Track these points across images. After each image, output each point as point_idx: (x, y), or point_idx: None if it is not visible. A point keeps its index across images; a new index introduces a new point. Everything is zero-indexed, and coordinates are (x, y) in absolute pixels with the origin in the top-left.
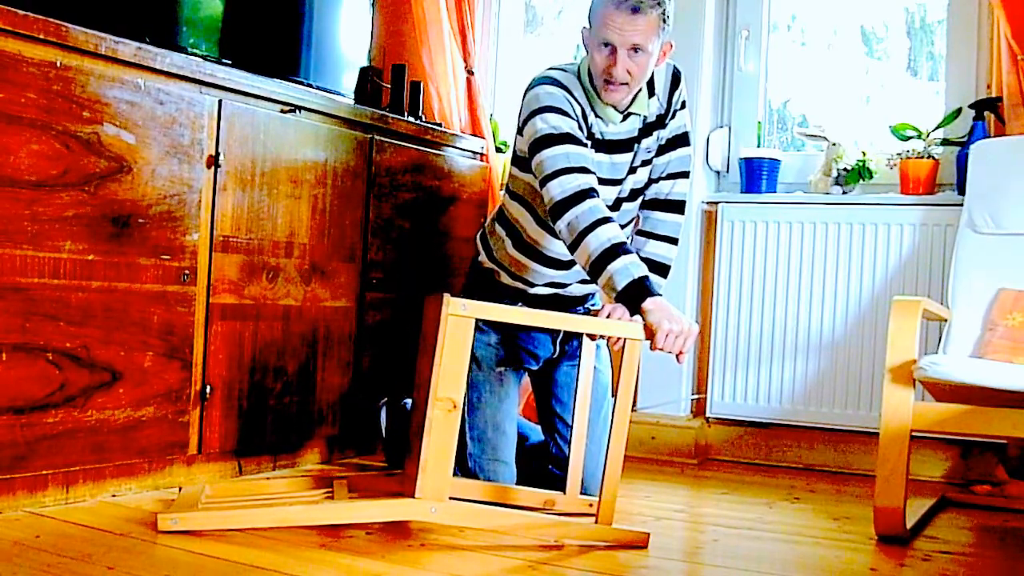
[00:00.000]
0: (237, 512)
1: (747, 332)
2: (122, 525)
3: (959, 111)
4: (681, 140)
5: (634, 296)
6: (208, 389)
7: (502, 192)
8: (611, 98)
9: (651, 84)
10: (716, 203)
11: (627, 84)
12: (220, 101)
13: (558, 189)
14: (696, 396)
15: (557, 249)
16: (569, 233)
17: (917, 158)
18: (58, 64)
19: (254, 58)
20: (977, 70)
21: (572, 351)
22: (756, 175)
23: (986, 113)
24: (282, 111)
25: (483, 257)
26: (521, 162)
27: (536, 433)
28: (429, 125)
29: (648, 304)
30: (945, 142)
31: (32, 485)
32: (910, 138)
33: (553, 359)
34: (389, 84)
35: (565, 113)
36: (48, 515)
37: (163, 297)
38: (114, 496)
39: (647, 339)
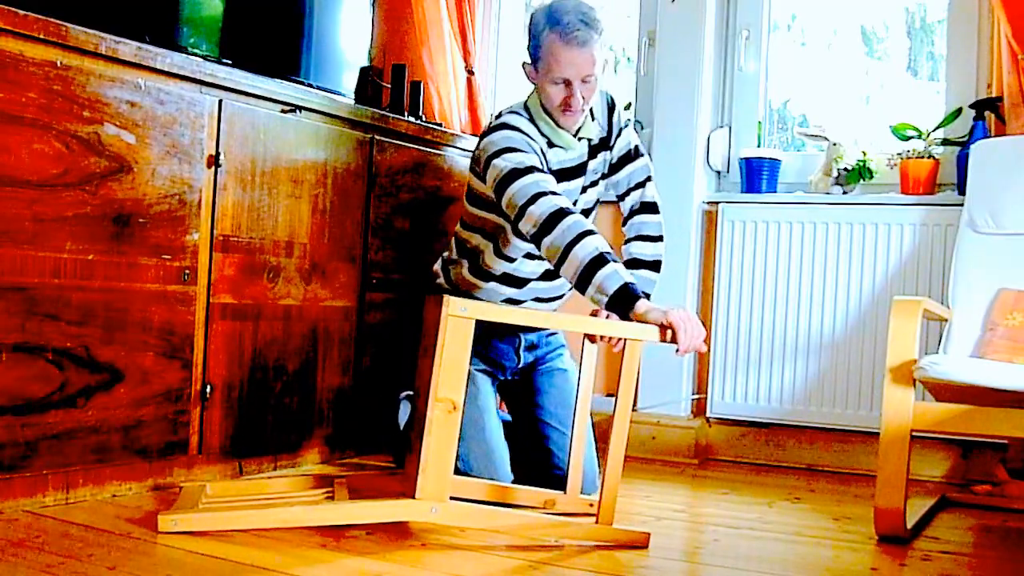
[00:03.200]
0: (237, 512)
1: (747, 332)
2: (122, 525)
3: (959, 111)
4: (633, 154)
5: (625, 300)
6: (208, 389)
7: (458, 226)
8: (569, 121)
9: (591, 111)
10: (716, 203)
11: (582, 110)
12: (220, 101)
13: (536, 213)
14: (696, 396)
15: (509, 270)
16: (554, 252)
17: (917, 158)
18: (58, 64)
19: (254, 58)
20: (977, 70)
21: (540, 360)
22: (756, 175)
23: (986, 113)
24: (282, 111)
25: (441, 280)
26: (479, 201)
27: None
28: (429, 125)
29: (639, 307)
30: (945, 142)
31: (32, 485)
32: (910, 138)
33: (526, 369)
34: (389, 84)
35: (523, 151)
36: (48, 515)
37: (163, 297)
38: (114, 496)
39: (664, 340)
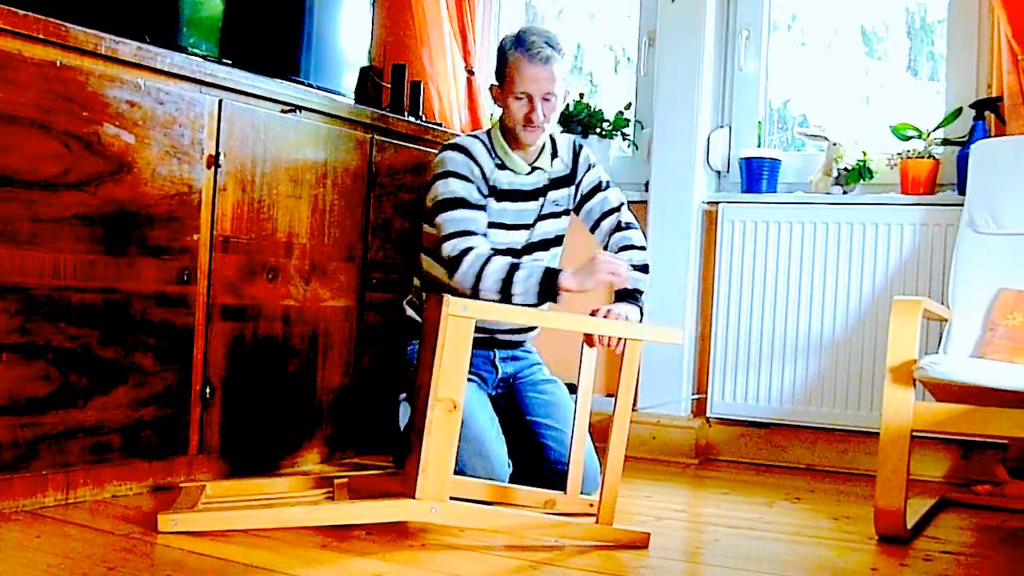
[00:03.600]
0: (237, 512)
1: (747, 332)
2: (122, 525)
3: (959, 111)
4: (604, 186)
5: (550, 283)
6: (208, 389)
7: (420, 256)
8: (530, 137)
9: (555, 149)
10: (716, 203)
11: (542, 127)
12: (220, 101)
13: (449, 249)
14: (696, 396)
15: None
16: (467, 282)
17: (917, 158)
18: (58, 64)
19: (254, 58)
20: (977, 70)
21: (521, 375)
22: (756, 175)
23: (986, 113)
24: (282, 111)
25: (411, 313)
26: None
27: None
28: (429, 125)
29: (563, 280)
30: (945, 142)
31: (32, 485)
32: (910, 138)
33: (510, 384)
34: (389, 84)
35: (464, 177)
36: (48, 515)
37: (163, 297)
38: (114, 496)
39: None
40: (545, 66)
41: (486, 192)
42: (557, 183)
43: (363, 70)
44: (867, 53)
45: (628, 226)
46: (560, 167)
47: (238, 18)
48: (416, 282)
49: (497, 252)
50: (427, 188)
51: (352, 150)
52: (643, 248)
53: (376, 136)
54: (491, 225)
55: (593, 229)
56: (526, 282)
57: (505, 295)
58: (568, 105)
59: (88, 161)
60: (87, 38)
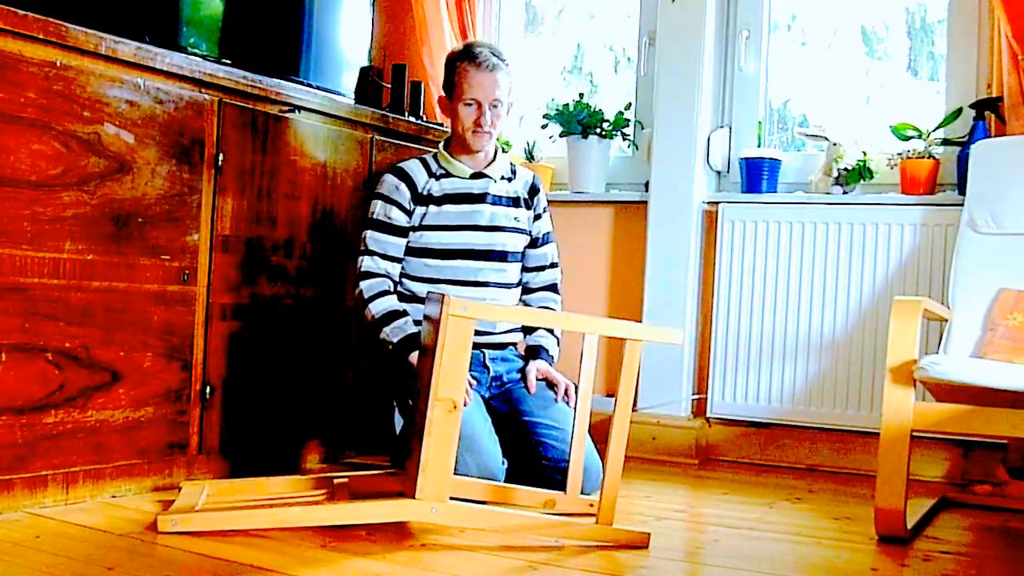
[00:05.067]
0: (237, 513)
1: (748, 332)
2: (122, 525)
3: (959, 111)
4: (547, 239)
5: (407, 347)
6: (208, 389)
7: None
8: (479, 143)
9: (513, 171)
10: (716, 203)
11: (489, 133)
12: (220, 101)
13: (360, 264)
14: (697, 396)
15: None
16: (359, 299)
17: (918, 158)
18: (58, 64)
19: (254, 58)
20: (977, 70)
21: (513, 378)
22: (757, 175)
23: (987, 113)
24: (282, 111)
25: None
26: None
27: None
28: (429, 125)
29: (413, 356)
30: (946, 142)
31: (32, 485)
32: (911, 138)
33: (504, 387)
34: (389, 84)
35: (392, 201)
36: (48, 515)
37: (163, 297)
38: (114, 496)
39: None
40: (492, 73)
41: (411, 208)
42: (512, 201)
43: (363, 70)
44: (867, 53)
45: (555, 288)
46: (515, 188)
47: (238, 18)
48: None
49: (395, 286)
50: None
51: (352, 150)
52: (554, 288)
53: (376, 136)
54: (434, 228)
55: (523, 270)
56: (394, 331)
57: (376, 328)
58: (568, 105)
59: (88, 161)
60: (87, 38)
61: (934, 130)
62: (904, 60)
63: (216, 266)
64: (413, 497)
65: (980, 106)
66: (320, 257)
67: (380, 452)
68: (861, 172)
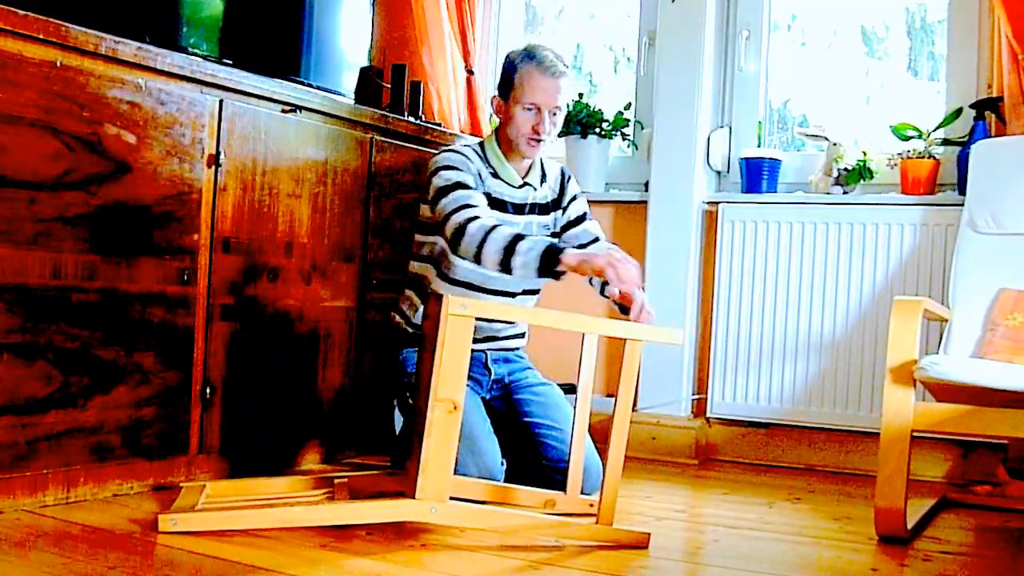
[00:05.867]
0: (237, 512)
1: (748, 332)
2: (122, 525)
3: (960, 111)
4: (584, 218)
5: (550, 261)
6: (208, 389)
7: (409, 268)
8: (532, 152)
9: (544, 172)
10: (716, 203)
11: (543, 141)
12: (221, 101)
13: (452, 222)
14: (697, 396)
15: (456, 291)
16: (470, 253)
17: (918, 158)
18: (58, 64)
19: (255, 58)
20: (978, 70)
21: (515, 377)
22: (757, 175)
23: (987, 113)
24: (282, 111)
25: (400, 320)
26: (425, 227)
27: None
28: (429, 125)
29: (566, 257)
30: (946, 142)
31: (32, 485)
32: (911, 138)
33: (505, 388)
34: (389, 84)
35: (458, 168)
36: (48, 515)
37: (163, 297)
38: (114, 496)
39: (604, 295)
40: (557, 80)
41: (483, 191)
42: (543, 208)
43: (363, 70)
44: (867, 53)
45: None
46: (548, 192)
47: (238, 18)
48: (407, 291)
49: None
50: (423, 189)
51: (352, 150)
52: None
53: (376, 136)
54: None
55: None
56: (527, 253)
57: (505, 264)
58: (568, 105)
59: (89, 161)
60: (87, 38)
61: (934, 130)
62: (904, 60)
63: (216, 266)
64: (413, 497)
65: (980, 106)
66: (320, 257)
67: (380, 452)
68: (861, 172)
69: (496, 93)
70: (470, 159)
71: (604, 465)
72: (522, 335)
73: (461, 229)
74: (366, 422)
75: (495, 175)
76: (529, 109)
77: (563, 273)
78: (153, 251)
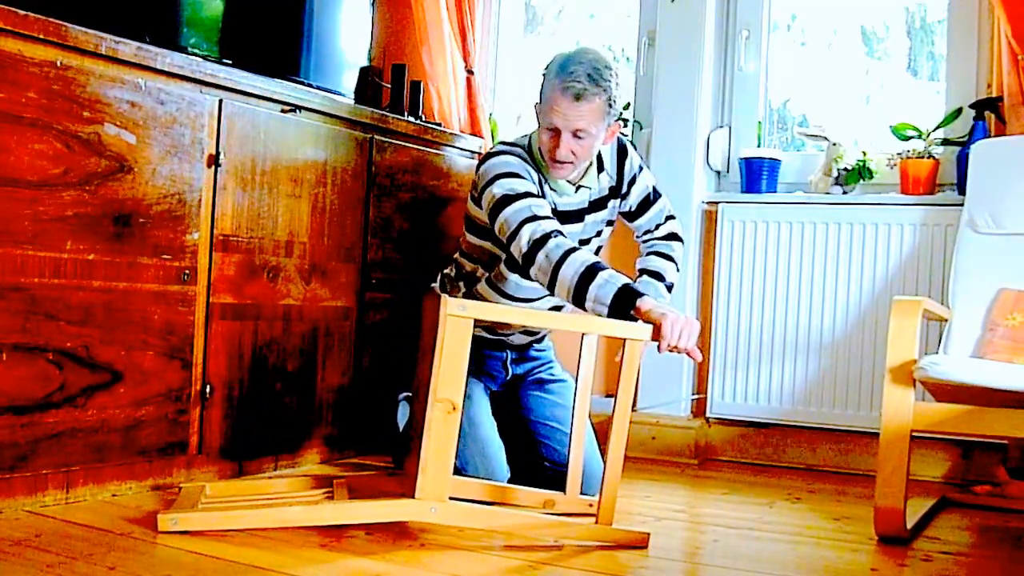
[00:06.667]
0: (237, 512)
1: (747, 332)
2: (122, 525)
3: (959, 111)
4: (652, 198)
5: (624, 303)
6: (208, 389)
7: (456, 254)
8: (557, 175)
9: (600, 160)
10: (716, 203)
11: (572, 163)
12: (220, 101)
13: (526, 238)
14: (696, 396)
15: (502, 301)
16: (543, 274)
17: (917, 158)
18: (58, 64)
19: (254, 58)
20: (977, 70)
21: (529, 372)
22: (756, 175)
23: (986, 113)
24: (282, 111)
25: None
26: (476, 228)
27: None
28: (429, 125)
29: (642, 303)
30: (945, 142)
31: (32, 485)
32: (910, 138)
33: (513, 383)
34: (389, 84)
35: (521, 176)
36: (48, 515)
37: (163, 297)
38: (114, 496)
39: (654, 340)
40: (577, 103)
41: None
42: (601, 202)
43: (363, 70)
44: (867, 53)
45: (675, 236)
46: (605, 181)
47: (238, 18)
48: (452, 271)
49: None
50: (480, 189)
51: (352, 150)
52: (668, 258)
53: (376, 136)
54: None
55: (639, 237)
56: (601, 288)
57: (579, 297)
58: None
59: (89, 161)
60: (87, 38)
61: (934, 130)
62: (904, 60)
63: (216, 266)
64: (413, 497)
65: (980, 106)
66: (320, 257)
67: (380, 452)
68: (861, 172)
69: (539, 98)
70: (528, 165)
71: (604, 465)
72: (542, 337)
73: (538, 244)
74: (366, 422)
75: (548, 185)
76: (549, 130)
77: (633, 315)
78: (153, 251)
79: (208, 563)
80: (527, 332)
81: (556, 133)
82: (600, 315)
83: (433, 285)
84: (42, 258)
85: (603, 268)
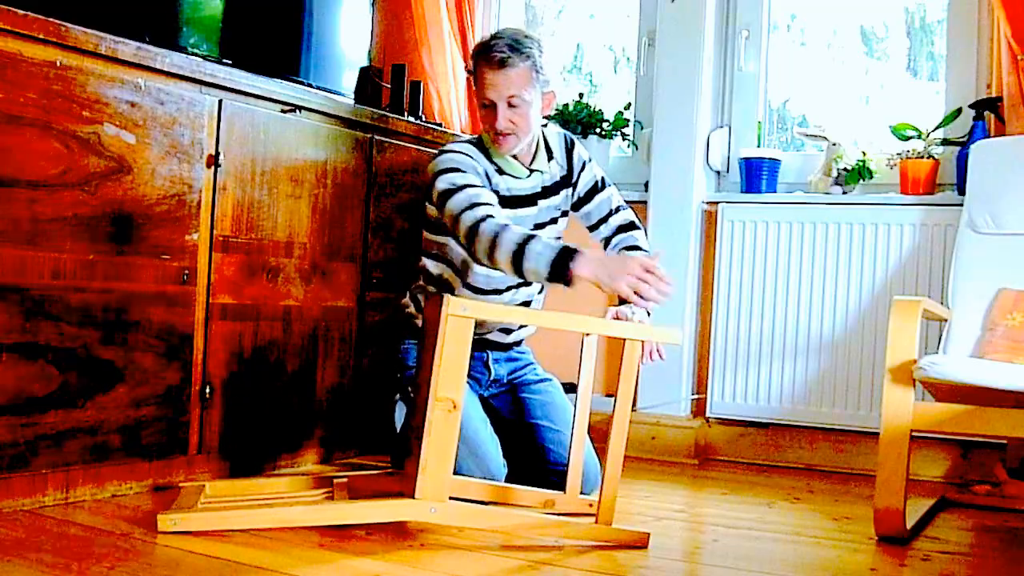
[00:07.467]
0: (237, 512)
1: (747, 332)
2: (122, 525)
3: (959, 111)
4: (600, 185)
5: (562, 264)
6: (208, 389)
7: (420, 262)
8: (503, 149)
9: (549, 149)
10: (716, 203)
11: (514, 134)
12: (220, 101)
13: (466, 224)
14: (696, 396)
15: (468, 293)
16: (483, 252)
17: (917, 158)
18: (58, 64)
19: (254, 58)
20: (977, 70)
21: (517, 374)
22: (756, 175)
23: (986, 113)
24: (282, 111)
25: (411, 309)
26: (432, 225)
27: None
28: (429, 125)
29: (578, 265)
30: (945, 142)
31: (32, 485)
32: (910, 138)
33: (506, 386)
34: (389, 84)
35: (461, 170)
36: (48, 515)
37: (163, 297)
38: (114, 496)
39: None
40: (504, 70)
41: (491, 189)
42: (554, 188)
43: (363, 70)
44: (867, 53)
45: (632, 225)
46: (556, 169)
47: (238, 18)
48: (420, 280)
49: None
50: (428, 188)
51: (352, 150)
52: (646, 251)
53: (376, 136)
54: None
55: (592, 229)
56: (539, 257)
57: (517, 266)
58: (568, 105)
59: (88, 161)
60: (87, 38)
61: (934, 130)
62: (904, 60)
63: (216, 266)
64: (413, 497)
65: (980, 106)
66: (320, 257)
67: (380, 452)
68: (861, 172)
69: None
70: (473, 157)
71: (603, 465)
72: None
73: (474, 229)
74: (366, 422)
75: (500, 171)
76: (486, 105)
77: (572, 280)
78: (152, 251)
79: (208, 563)
80: (504, 330)
81: (492, 107)
82: (538, 280)
83: (404, 300)
84: (42, 258)
85: (538, 238)
